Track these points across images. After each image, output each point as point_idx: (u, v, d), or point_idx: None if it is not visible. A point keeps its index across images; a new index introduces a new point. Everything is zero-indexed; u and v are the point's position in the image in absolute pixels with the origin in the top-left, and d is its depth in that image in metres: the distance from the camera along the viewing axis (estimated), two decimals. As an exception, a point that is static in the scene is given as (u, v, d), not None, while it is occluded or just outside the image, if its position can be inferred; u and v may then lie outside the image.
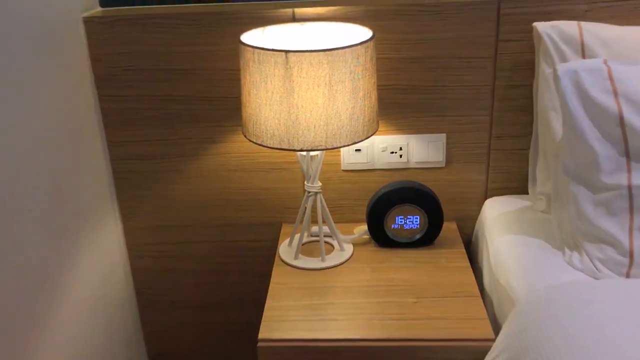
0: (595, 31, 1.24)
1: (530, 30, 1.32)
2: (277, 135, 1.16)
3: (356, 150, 1.44)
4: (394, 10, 1.32)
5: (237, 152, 1.46)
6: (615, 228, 1.10)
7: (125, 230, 1.55)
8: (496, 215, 1.37)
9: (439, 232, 1.39)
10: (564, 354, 0.86)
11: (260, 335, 1.14)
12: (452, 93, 1.39)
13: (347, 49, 1.11)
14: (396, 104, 1.40)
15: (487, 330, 1.13)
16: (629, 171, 1.09)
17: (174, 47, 1.37)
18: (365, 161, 1.45)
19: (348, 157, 1.45)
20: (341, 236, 1.42)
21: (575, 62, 1.12)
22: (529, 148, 1.42)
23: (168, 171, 1.49)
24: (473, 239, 1.50)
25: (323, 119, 1.14)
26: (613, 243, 1.10)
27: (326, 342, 1.13)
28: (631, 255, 1.08)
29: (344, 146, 1.18)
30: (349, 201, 1.50)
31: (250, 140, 1.21)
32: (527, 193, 1.42)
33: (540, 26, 1.26)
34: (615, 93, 1.09)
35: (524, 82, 1.37)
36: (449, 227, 1.48)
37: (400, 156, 1.44)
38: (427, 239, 1.40)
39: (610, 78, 1.10)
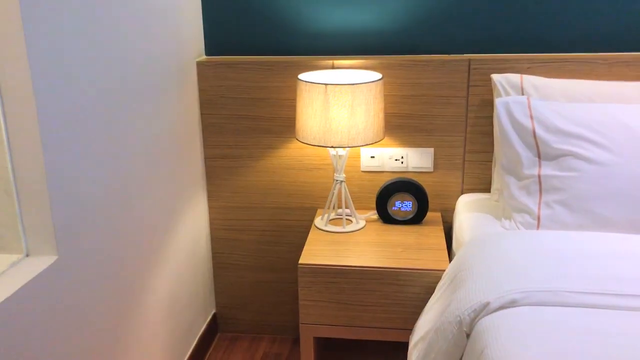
0: (531, 80, 1.89)
1: (490, 79, 1.97)
2: (317, 137, 1.83)
3: (371, 157, 2.09)
4: (398, 63, 2.00)
5: (289, 156, 2.14)
6: (530, 203, 1.71)
7: (210, 207, 2.23)
8: (464, 203, 1.99)
9: (425, 214, 2.02)
10: (479, 265, 1.47)
11: (300, 261, 1.79)
12: (438, 120, 2.04)
13: (363, 85, 1.79)
14: (399, 126, 2.06)
15: (444, 265, 1.74)
16: (540, 166, 1.71)
17: (253, 82, 2.07)
18: (377, 165, 2.10)
19: (365, 161, 2.10)
20: (357, 214, 2.06)
21: (508, 97, 1.77)
22: (491, 160, 2.04)
23: (240, 167, 2.17)
24: (453, 222, 2.11)
25: (346, 128, 1.81)
26: (528, 212, 1.71)
27: (341, 267, 1.76)
28: (538, 219, 1.69)
29: (360, 146, 1.84)
30: (366, 193, 2.15)
31: (300, 141, 1.89)
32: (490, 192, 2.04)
33: (495, 76, 1.92)
34: (531, 117, 1.73)
35: (488, 114, 2.01)
36: (435, 215, 2.10)
37: (402, 163, 2.09)
38: (417, 218, 2.02)
39: (529, 107, 1.74)
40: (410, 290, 1.74)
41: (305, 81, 1.82)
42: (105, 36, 1.47)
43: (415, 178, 2.10)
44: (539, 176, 1.70)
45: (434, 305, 1.59)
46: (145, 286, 1.74)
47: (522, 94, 1.87)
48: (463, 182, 2.09)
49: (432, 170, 2.09)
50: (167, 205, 1.87)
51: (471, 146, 2.05)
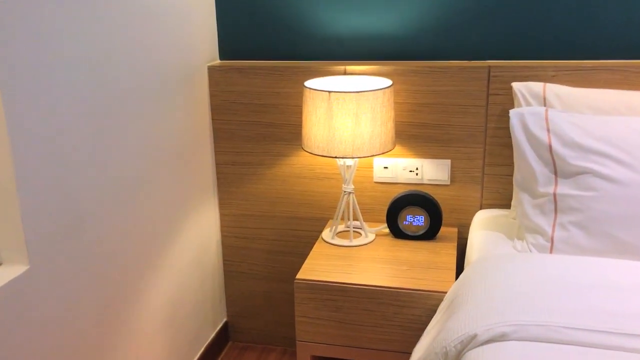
0: (555, 90, 1.74)
1: (511, 87, 1.84)
2: (321, 147, 1.76)
3: (384, 167, 2.00)
4: (413, 70, 1.90)
5: (300, 164, 2.07)
6: (544, 223, 1.57)
7: (221, 214, 2.19)
8: (480, 219, 1.86)
9: (439, 230, 1.90)
10: (475, 291, 1.35)
11: (297, 276, 1.71)
12: (455, 130, 1.92)
13: (369, 92, 1.70)
14: (414, 136, 1.96)
15: (449, 287, 1.62)
16: (556, 184, 1.57)
17: (264, 88, 2.02)
18: (391, 176, 2.00)
19: (378, 172, 2.01)
20: (367, 227, 1.97)
21: (524, 108, 1.64)
22: (512, 174, 1.91)
23: (251, 175, 2.12)
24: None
25: (350, 137, 1.72)
26: (542, 233, 1.57)
27: (338, 284, 1.67)
28: (552, 241, 1.55)
29: (365, 157, 1.75)
30: (379, 205, 2.05)
31: (305, 150, 1.81)
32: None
33: (516, 85, 1.78)
34: (548, 130, 1.59)
35: (509, 125, 1.88)
36: (451, 231, 1.98)
37: (417, 174, 1.98)
38: (429, 234, 1.91)
39: (546, 119, 1.60)
40: (410, 312, 1.64)
41: (310, 88, 1.75)
42: (107, 36, 1.45)
43: (431, 191, 1.99)
44: (555, 195, 1.57)
45: (431, 330, 1.48)
46: (140, 295, 1.71)
47: (545, 104, 1.73)
48: (482, 197, 1.96)
49: (448, 183, 1.97)
50: (168, 212, 1.84)
51: (491, 159, 1.92)
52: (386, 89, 1.74)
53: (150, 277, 1.77)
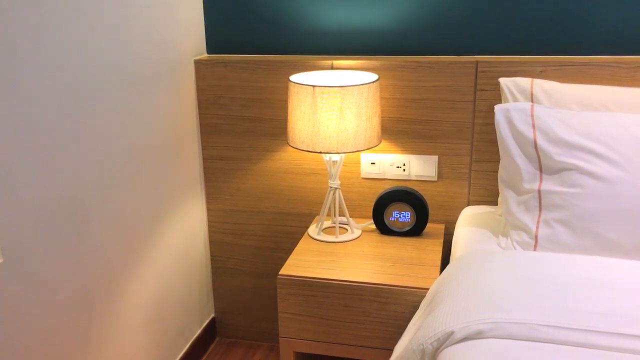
0: (543, 85, 1.72)
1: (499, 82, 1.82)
2: (306, 142, 1.74)
3: (371, 163, 1.98)
4: (400, 65, 1.88)
5: (287, 160, 2.05)
6: (528, 220, 1.55)
7: (208, 209, 2.18)
8: (466, 216, 1.84)
9: (425, 226, 1.89)
10: (455, 288, 1.34)
11: (280, 272, 1.70)
12: (443, 126, 1.90)
13: (354, 87, 1.68)
14: (401, 131, 1.94)
15: (432, 283, 1.61)
16: (541, 180, 1.55)
17: (250, 82, 2.00)
18: (378, 172, 1.99)
19: (365, 168, 1.99)
20: (353, 223, 1.95)
21: (509, 103, 1.62)
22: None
23: (238, 170, 2.11)
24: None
25: (335, 132, 1.70)
26: (526, 230, 1.56)
27: (319, 279, 1.66)
28: (536, 238, 1.53)
29: (349, 152, 1.73)
30: (366, 201, 2.04)
31: (290, 145, 1.80)
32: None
33: (503, 80, 1.76)
34: (533, 126, 1.57)
35: (497, 121, 1.85)
36: (437, 227, 1.96)
37: (404, 170, 1.96)
38: (416, 230, 1.89)
39: (532, 115, 1.58)
40: (393, 309, 1.62)
41: (295, 82, 1.73)
42: (91, 28, 1.43)
43: (418, 187, 1.97)
44: (539, 191, 1.55)
45: (411, 327, 1.47)
46: (124, 290, 1.70)
47: (532, 100, 1.71)
48: (469, 193, 1.94)
49: (435, 179, 1.95)
50: (154, 207, 1.83)
51: (478, 155, 1.90)
52: (371, 84, 1.72)
53: (135, 272, 1.75)
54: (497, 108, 1.62)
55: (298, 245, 1.86)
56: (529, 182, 1.57)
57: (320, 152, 1.73)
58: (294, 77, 1.82)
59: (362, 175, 2.00)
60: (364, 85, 1.70)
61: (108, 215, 1.61)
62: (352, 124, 1.70)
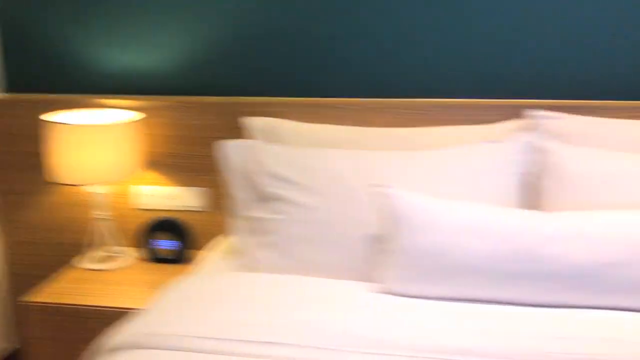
0: (282, 124, 1.91)
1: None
2: (68, 176, 1.87)
3: (144, 194, 2.12)
4: (166, 105, 2.04)
5: (61, 192, 2.16)
6: (249, 244, 1.71)
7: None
8: (215, 243, 2.00)
9: (191, 254, 2.03)
10: (149, 307, 1.48)
11: (24, 298, 1.81)
12: (205, 160, 2.03)
13: (114, 125, 1.83)
14: (170, 165, 2.08)
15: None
16: (256, 208, 1.73)
17: (27, 120, 2.10)
18: (148, 203, 2.11)
19: (136, 199, 2.12)
20: (121, 252, 2.08)
21: (231, 141, 1.82)
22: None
23: (20, 203, 2.20)
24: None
25: (97, 165, 1.85)
26: (248, 254, 1.72)
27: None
28: (257, 262, 1.69)
29: (110, 184, 1.87)
30: (137, 231, 2.16)
31: (51, 181, 1.92)
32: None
33: (247, 120, 1.94)
34: (252, 161, 1.76)
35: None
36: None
37: (174, 201, 2.11)
38: (182, 257, 2.04)
39: (252, 150, 1.77)
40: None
41: (53, 122, 1.87)
42: None
43: (188, 217, 2.12)
44: (255, 219, 1.73)
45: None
46: None
47: (274, 138, 1.89)
48: (227, 223, 2.10)
49: (203, 209, 2.11)
50: None
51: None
52: (130, 122, 1.89)
53: None
54: (222, 144, 1.80)
55: (59, 273, 1.97)
56: (248, 211, 1.75)
57: (81, 185, 1.88)
58: (51, 117, 1.94)
59: (134, 206, 2.14)
60: (124, 123, 1.87)
61: None
62: (111, 159, 1.86)
